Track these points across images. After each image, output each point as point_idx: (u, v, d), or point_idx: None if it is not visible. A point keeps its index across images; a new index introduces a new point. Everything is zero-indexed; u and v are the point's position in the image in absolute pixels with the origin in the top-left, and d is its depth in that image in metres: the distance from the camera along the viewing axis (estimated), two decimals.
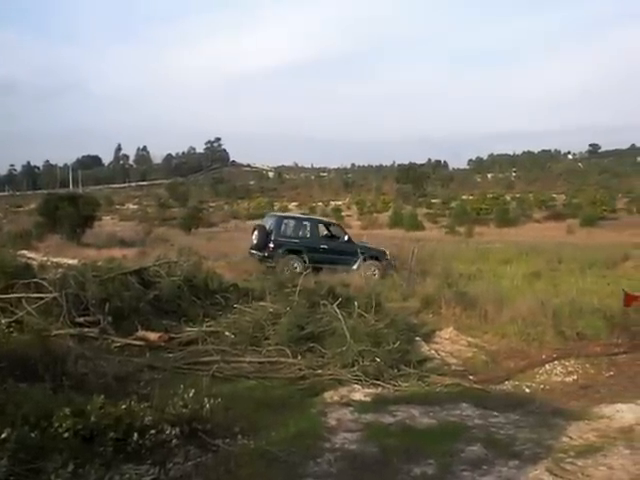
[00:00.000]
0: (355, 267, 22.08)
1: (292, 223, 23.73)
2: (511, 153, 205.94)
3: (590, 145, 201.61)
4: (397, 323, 10.95)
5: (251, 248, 23.03)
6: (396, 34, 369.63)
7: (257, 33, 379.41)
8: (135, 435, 5.17)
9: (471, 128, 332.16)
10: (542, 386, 9.57)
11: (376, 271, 22.47)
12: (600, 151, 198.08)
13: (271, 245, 22.22)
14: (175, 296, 11.91)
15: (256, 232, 22.96)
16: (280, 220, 23.75)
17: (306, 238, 23.02)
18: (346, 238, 23.86)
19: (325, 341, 9.98)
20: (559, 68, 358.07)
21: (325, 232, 24.40)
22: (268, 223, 23.71)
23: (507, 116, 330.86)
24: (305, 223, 24.14)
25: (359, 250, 23.05)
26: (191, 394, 5.88)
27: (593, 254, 25.68)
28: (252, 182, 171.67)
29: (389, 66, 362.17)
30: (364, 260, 22.59)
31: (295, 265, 21.28)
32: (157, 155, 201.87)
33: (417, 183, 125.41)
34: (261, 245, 22.39)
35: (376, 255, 23.56)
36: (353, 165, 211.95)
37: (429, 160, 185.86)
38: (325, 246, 22.99)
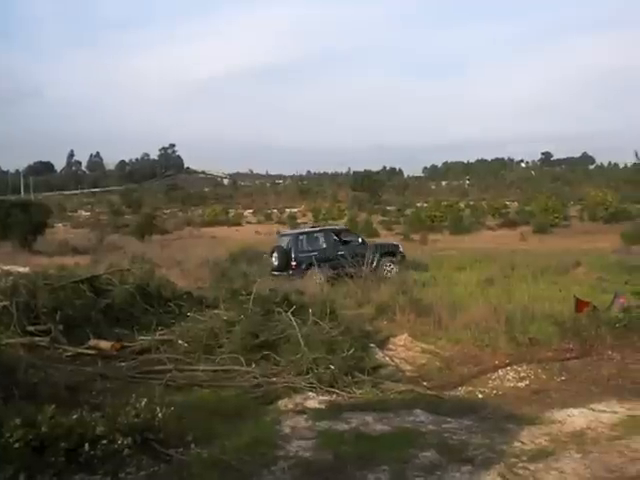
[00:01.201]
0: (374, 266, 22.69)
1: (307, 237, 24.79)
2: (465, 161, 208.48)
3: (543, 153, 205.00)
4: (351, 330, 10.96)
5: (273, 269, 23.59)
6: (350, 42, 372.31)
7: (214, 40, 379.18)
8: (87, 445, 5.13)
9: (426, 136, 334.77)
10: (495, 391, 9.63)
11: (392, 266, 23.89)
12: (553, 159, 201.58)
13: (293, 263, 23.15)
14: (128, 304, 11.83)
15: (275, 253, 23.90)
16: (296, 237, 24.72)
17: (323, 249, 23.96)
18: (360, 240, 25.22)
19: (279, 349, 9.96)
20: (512, 77, 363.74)
21: (339, 239, 25.27)
22: (284, 243, 24.63)
23: (461, 124, 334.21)
24: (318, 235, 25.16)
25: (374, 249, 23.86)
26: (143, 403, 5.85)
27: (545, 261, 25.91)
28: (207, 189, 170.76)
29: (345, 74, 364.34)
30: (380, 257, 23.46)
31: (320, 277, 21.97)
32: (110, 161, 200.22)
33: (372, 190, 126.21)
34: (283, 265, 23.24)
35: (391, 250, 25.15)
36: (309, 172, 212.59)
37: (384, 167, 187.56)
38: (342, 252, 23.50)
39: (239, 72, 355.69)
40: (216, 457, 5.84)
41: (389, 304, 14.62)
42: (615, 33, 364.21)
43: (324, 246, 24.17)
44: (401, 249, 25.48)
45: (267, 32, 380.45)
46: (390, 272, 23.52)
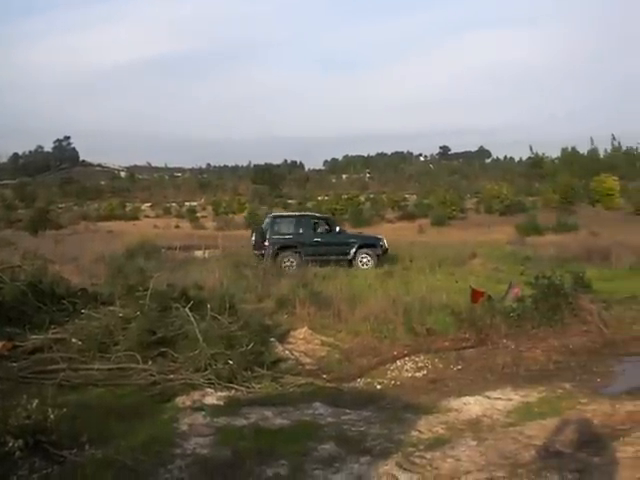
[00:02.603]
0: (350, 257, 24.05)
1: (285, 221, 25.51)
2: (365, 154, 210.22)
3: (440, 147, 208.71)
4: (251, 325, 10.89)
5: (253, 249, 24.46)
6: (253, 35, 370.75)
7: (109, 29, 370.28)
8: None
9: (326, 129, 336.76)
10: (393, 382, 9.79)
11: (369, 259, 24.38)
12: (450, 153, 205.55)
13: (267, 243, 23.60)
14: (19, 302, 11.39)
15: (254, 234, 24.76)
16: (273, 219, 25.53)
17: (299, 233, 24.45)
18: (337, 229, 25.61)
19: (177, 345, 9.79)
20: (411, 72, 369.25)
21: (318, 226, 25.62)
22: (265, 224, 25.51)
23: (361, 118, 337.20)
24: (296, 220, 25.70)
25: (352, 240, 25.02)
26: (35, 404, 5.69)
27: (443, 252, 26.49)
28: (103, 182, 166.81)
29: (245, 66, 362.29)
30: (358, 249, 24.38)
31: (291, 260, 23.09)
32: (2, 154, 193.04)
33: (273, 183, 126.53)
34: (259, 245, 23.84)
35: (371, 243, 25.44)
36: (209, 165, 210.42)
37: (285, 161, 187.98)
38: (319, 239, 24.49)
39: (135, 63, 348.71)
40: (111, 457, 5.73)
41: (289, 297, 14.65)
42: (513, 30, 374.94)
43: (300, 231, 24.56)
44: (382, 242, 25.47)
45: (164, 22, 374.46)
46: (366, 264, 24.07)
